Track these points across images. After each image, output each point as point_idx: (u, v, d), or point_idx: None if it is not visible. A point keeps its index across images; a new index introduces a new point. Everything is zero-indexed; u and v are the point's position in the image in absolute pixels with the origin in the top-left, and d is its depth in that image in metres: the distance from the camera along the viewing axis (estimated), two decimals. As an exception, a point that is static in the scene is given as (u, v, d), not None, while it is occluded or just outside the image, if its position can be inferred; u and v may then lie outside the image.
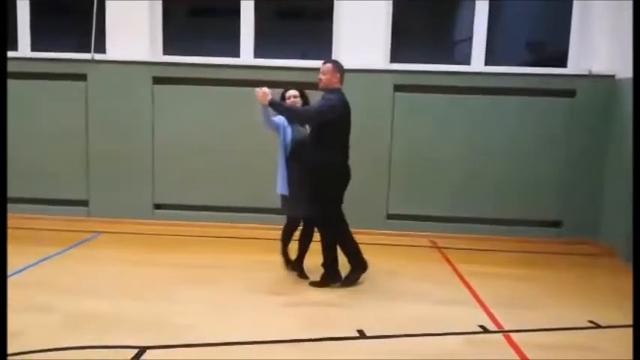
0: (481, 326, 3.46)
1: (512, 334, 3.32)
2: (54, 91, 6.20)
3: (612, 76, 5.85)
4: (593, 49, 5.98)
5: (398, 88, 6.05)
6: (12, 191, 6.18)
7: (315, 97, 4.37)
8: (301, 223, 4.38)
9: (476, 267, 4.88)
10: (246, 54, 6.37)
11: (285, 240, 4.52)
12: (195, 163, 6.19)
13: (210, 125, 6.20)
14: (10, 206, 6.12)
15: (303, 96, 4.28)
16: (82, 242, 5.34)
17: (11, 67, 6.01)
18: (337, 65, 4.08)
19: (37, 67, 6.19)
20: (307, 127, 4.24)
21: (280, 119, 4.19)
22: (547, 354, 3.04)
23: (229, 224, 6.16)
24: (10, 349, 2.81)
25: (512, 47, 6.89)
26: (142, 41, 6.18)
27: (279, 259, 4.67)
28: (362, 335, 3.26)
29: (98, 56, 6.14)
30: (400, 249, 5.58)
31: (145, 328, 3.26)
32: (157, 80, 6.13)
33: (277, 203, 5.83)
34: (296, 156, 4.15)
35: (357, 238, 5.76)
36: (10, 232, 5.54)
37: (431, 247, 5.69)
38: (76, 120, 6.17)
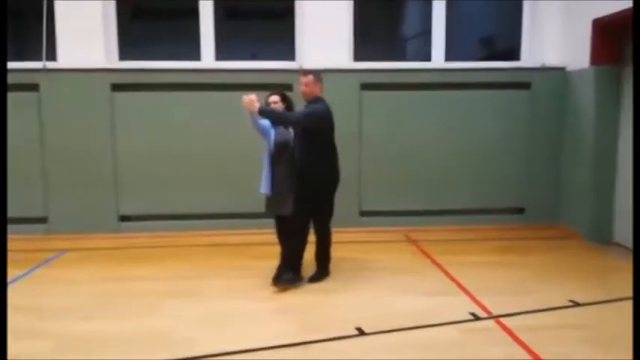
0: (472, 314, 3.56)
1: (502, 319, 3.43)
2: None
3: (563, 68, 6.18)
4: (544, 42, 6.30)
5: (364, 86, 6.12)
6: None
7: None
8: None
9: (452, 257, 5.01)
10: (207, 57, 6.25)
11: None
12: (159, 170, 6.01)
13: (173, 131, 6.03)
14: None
15: (285, 100, 4.29)
16: (47, 261, 5.04)
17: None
18: (317, 75, 4.27)
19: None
20: (291, 129, 4.26)
21: (267, 122, 4.18)
22: (540, 335, 3.17)
23: (200, 232, 6.02)
24: None
25: (467, 43, 7.14)
26: (96, 47, 5.93)
27: (256, 264, 4.65)
28: (361, 333, 3.28)
29: (50, 64, 5.83)
30: (376, 245, 5.65)
31: (145, 345, 3.13)
32: (116, 87, 5.90)
33: (247, 207, 5.85)
34: (279, 157, 4.15)
35: (333, 237, 5.85)
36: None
37: (406, 241, 5.80)
38: (29, 132, 5.83)
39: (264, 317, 3.61)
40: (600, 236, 5.62)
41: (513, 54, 6.68)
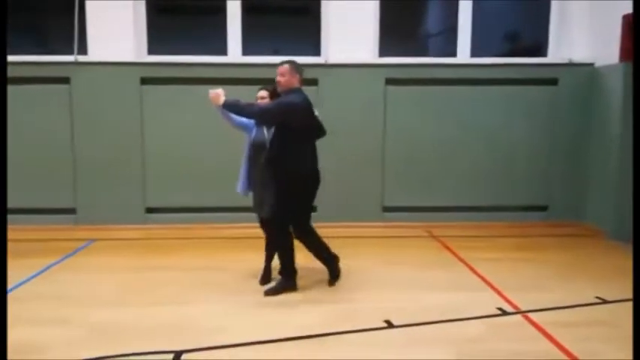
0: (499, 309, 3.57)
1: (530, 315, 3.44)
2: (35, 96, 5.96)
3: (592, 64, 6.11)
4: (572, 38, 6.24)
5: (389, 81, 6.13)
6: (-5, 201, 5.96)
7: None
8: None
9: (476, 253, 5.02)
10: (234, 51, 6.31)
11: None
12: (186, 164, 6.09)
13: (200, 125, 6.10)
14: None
15: (274, 95, 4.00)
16: (76, 251, 5.17)
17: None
18: (295, 65, 3.88)
19: (15, 72, 5.93)
20: (265, 130, 4.02)
21: (248, 120, 4.04)
22: (569, 331, 3.17)
23: (224, 225, 6.10)
24: None
25: (491, 39, 7.09)
26: (126, 41, 6.03)
27: None
28: (390, 325, 3.32)
29: (81, 58, 5.95)
30: (399, 240, 5.67)
31: (174, 333, 3.20)
32: (145, 81, 6.00)
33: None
34: (257, 157, 3.99)
35: (354, 231, 5.91)
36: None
37: (428, 236, 5.81)
38: (60, 125, 5.96)
39: (291, 308, 3.66)
40: (624, 235, 5.56)
41: (538, 50, 6.63)
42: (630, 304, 3.64)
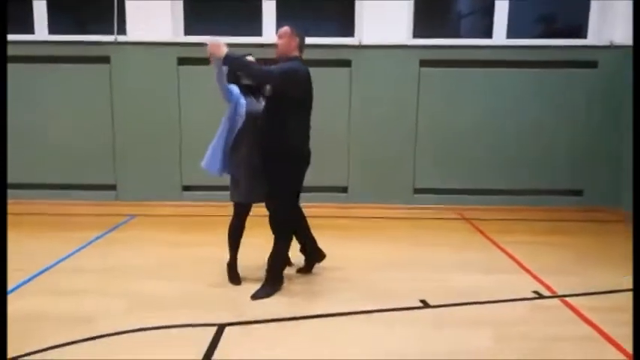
0: (535, 292, 3.60)
1: (567, 299, 3.46)
2: (76, 75, 6.12)
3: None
4: (613, 19, 6.06)
5: (423, 63, 6.09)
6: (37, 177, 6.21)
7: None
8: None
9: (509, 237, 5.02)
10: (269, 32, 6.34)
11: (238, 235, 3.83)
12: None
13: (234, 105, 6.19)
14: (36, 192, 6.17)
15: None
16: (118, 226, 5.36)
17: (28, 50, 5.99)
18: (295, 29, 3.46)
19: (57, 51, 6.10)
20: (261, 101, 3.60)
21: (236, 89, 3.55)
22: (607, 316, 3.18)
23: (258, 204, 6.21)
24: (84, 334, 2.89)
25: (527, 20, 6.93)
26: (164, 21, 6.11)
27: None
28: (425, 305, 3.38)
29: (121, 38, 6.07)
30: (431, 222, 5.71)
31: (216, 307, 3.32)
32: (182, 61, 6.09)
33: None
34: (245, 135, 3.51)
35: (386, 212, 5.95)
36: (41, 218, 5.64)
37: (460, 219, 5.83)
38: (100, 103, 6.13)
39: (329, 286, 3.74)
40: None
41: (575, 32, 6.47)
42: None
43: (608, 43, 6.03)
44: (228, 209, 6.08)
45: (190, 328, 3.02)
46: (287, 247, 3.65)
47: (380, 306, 3.35)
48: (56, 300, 3.41)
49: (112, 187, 6.27)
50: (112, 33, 6.06)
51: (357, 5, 6.27)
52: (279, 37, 3.49)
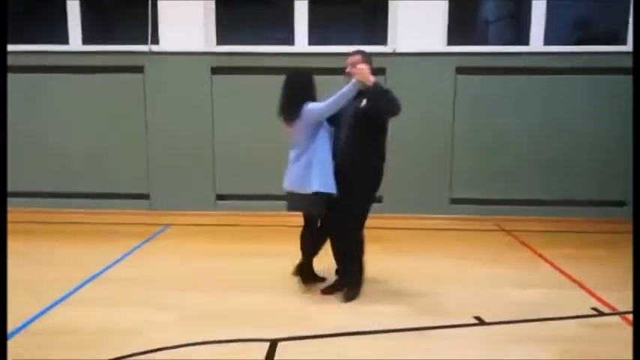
0: (594, 309, 3.46)
1: (629, 317, 3.32)
2: (110, 85, 6.16)
3: (678, 53, 5.77)
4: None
5: (459, 70, 6.00)
6: (72, 187, 6.24)
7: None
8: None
9: (554, 249, 4.87)
10: (301, 41, 6.30)
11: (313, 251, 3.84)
12: (254, 152, 6.18)
13: (267, 114, 6.09)
14: (71, 201, 6.19)
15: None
16: (154, 236, 5.34)
17: (63, 61, 6.04)
18: (366, 56, 3.59)
19: (91, 61, 6.14)
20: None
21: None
22: (675, 335, 3.04)
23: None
24: (133, 349, 2.83)
25: (564, 26, 6.81)
26: (196, 32, 6.12)
27: None
28: (481, 322, 3.27)
29: (155, 48, 6.08)
30: (469, 233, 5.59)
31: (268, 321, 3.25)
32: (215, 70, 6.09)
33: None
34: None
35: (420, 223, 5.85)
36: (76, 227, 5.65)
37: (499, 230, 5.69)
38: (134, 113, 6.15)
39: (375, 299, 3.64)
40: None
41: (612, 38, 6.32)
42: None
43: (650, 49, 5.85)
44: (263, 219, 6.09)
45: (242, 344, 2.96)
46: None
47: (433, 323, 3.24)
48: (101, 311, 3.37)
49: (146, 197, 6.26)
50: (145, 43, 6.08)
51: (391, 13, 6.21)
52: (352, 65, 3.50)
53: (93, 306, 3.47)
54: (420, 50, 5.98)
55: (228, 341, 2.97)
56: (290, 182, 3.57)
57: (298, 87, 3.57)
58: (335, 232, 3.64)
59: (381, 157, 3.62)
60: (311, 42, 6.31)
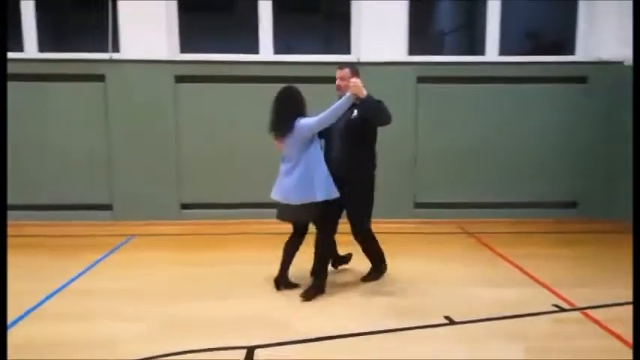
0: (555, 305, 3.63)
1: (588, 312, 3.51)
2: (70, 94, 5.98)
3: (621, 62, 6.17)
4: (601, 36, 6.29)
5: (420, 79, 6.18)
6: (31, 198, 6.00)
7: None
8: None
9: (514, 250, 5.08)
10: (266, 50, 6.33)
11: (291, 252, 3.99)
12: (219, 160, 6.15)
13: (233, 122, 6.15)
14: (30, 213, 5.96)
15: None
16: (118, 247, 5.21)
17: (18, 68, 5.83)
18: (354, 68, 3.89)
19: (48, 69, 5.96)
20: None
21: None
22: (630, 328, 3.23)
23: (259, 220, 6.15)
24: None
25: (512, 37, 7.15)
26: (158, 40, 6.04)
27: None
28: (451, 322, 3.37)
29: (116, 56, 5.96)
30: (434, 237, 5.73)
31: (242, 328, 3.24)
32: (179, 79, 6.02)
33: None
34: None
35: (386, 227, 5.93)
36: (38, 240, 5.45)
37: (463, 233, 5.88)
38: (95, 122, 5.99)
39: (349, 304, 3.70)
40: (658, 231, 5.66)
41: (562, 48, 6.70)
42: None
43: (596, 59, 6.24)
44: (228, 227, 6.05)
45: (218, 352, 2.94)
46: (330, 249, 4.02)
47: (407, 323, 3.32)
48: (71, 325, 3.28)
49: (109, 207, 6.10)
50: (105, 51, 5.95)
51: (354, 23, 6.34)
52: (341, 78, 3.81)
53: (59, 320, 3.37)
54: (383, 60, 6.12)
55: (203, 350, 2.95)
56: (283, 194, 3.73)
57: (289, 102, 3.69)
58: (322, 236, 3.87)
59: (373, 163, 3.93)
60: (275, 51, 6.35)
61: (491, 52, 6.47)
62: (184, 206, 6.19)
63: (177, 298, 3.78)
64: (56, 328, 3.23)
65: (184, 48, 6.26)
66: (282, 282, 3.94)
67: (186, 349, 2.95)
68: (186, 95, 6.05)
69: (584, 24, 6.45)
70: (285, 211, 3.80)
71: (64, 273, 4.23)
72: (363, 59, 6.16)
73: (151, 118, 6.02)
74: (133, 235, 5.59)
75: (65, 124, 5.98)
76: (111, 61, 5.93)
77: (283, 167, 3.78)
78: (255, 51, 6.33)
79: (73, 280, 4.15)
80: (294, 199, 3.66)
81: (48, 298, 3.73)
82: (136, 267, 4.56)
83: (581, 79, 6.30)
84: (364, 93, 3.55)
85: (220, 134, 6.10)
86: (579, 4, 6.44)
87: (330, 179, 3.68)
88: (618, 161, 6.23)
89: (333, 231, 3.96)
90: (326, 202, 3.68)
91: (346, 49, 6.44)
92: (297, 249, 3.96)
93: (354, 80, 3.58)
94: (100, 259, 4.74)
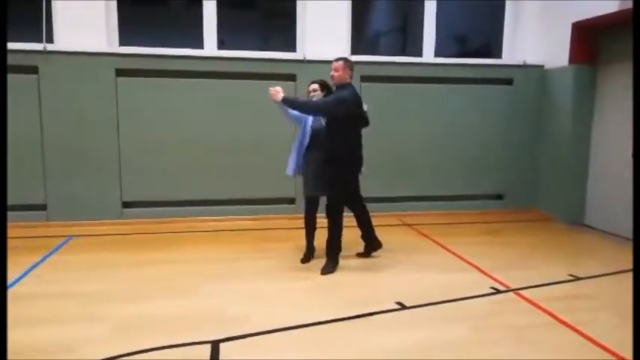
0: (493, 288, 3.97)
1: (521, 292, 3.87)
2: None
3: (542, 66, 6.75)
4: (525, 41, 6.83)
5: (363, 78, 6.40)
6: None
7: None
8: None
9: (451, 238, 5.47)
10: (210, 45, 6.29)
11: (311, 224, 4.63)
12: (162, 157, 6.04)
13: (175, 118, 6.06)
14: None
15: (325, 87, 4.46)
16: (57, 248, 4.99)
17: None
18: (347, 62, 4.29)
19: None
20: (323, 120, 4.44)
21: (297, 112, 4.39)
22: (561, 305, 3.60)
23: (203, 218, 6.14)
24: None
25: (449, 41, 7.59)
26: (97, 31, 5.82)
27: (270, 246, 4.99)
28: (402, 307, 3.59)
29: (50, 47, 5.67)
30: (378, 229, 5.96)
31: (202, 325, 3.26)
32: (120, 72, 5.84)
33: (245, 194, 6.11)
34: (315, 142, 4.40)
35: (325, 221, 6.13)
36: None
37: (402, 224, 6.19)
38: (27, 117, 5.67)
39: (302, 295, 3.82)
40: (573, 219, 6.29)
41: (488, 52, 7.21)
42: (602, 280, 4.21)
43: (521, 63, 6.77)
44: (171, 226, 5.96)
45: (183, 348, 2.95)
46: (340, 231, 4.43)
47: (358, 311, 3.48)
48: (22, 331, 3.14)
49: (43, 207, 5.80)
50: (39, 41, 5.65)
51: (299, 22, 6.45)
52: (335, 69, 4.28)
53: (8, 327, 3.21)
54: (326, 58, 6.26)
55: (167, 347, 2.95)
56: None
57: None
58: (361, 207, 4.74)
59: (350, 145, 4.30)
60: (219, 47, 6.32)
61: (428, 53, 6.83)
62: (126, 205, 6.02)
63: (128, 298, 3.71)
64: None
65: (125, 41, 6.07)
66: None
67: (148, 347, 2.93)
68: (127, 89, 5.87)
69: (509, 28, 6.97)
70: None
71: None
72: (308, 57, 6.29)
73: (90, 113, 5.79)
74: (72, 236, 5.37)
75: (-7, 119, 5.60)
76: (45, 52, 5.64)
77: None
78: (200, 46, 6.27)
79: (11, 285, 3.95)
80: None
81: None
82: (78, 269, 4.39)
83: (508, 81, 6.82)
84: (278, 98, 4.16)
85: (163, 130, 5.99)
86: (505, 10, 6.96)
87: (292, 159, 4.46)
88: (541, 157, 6.82)
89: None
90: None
91: (287, 47, 6.53)
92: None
93: (271, 88, 4.20)
94: (39, 263, 4.52)
